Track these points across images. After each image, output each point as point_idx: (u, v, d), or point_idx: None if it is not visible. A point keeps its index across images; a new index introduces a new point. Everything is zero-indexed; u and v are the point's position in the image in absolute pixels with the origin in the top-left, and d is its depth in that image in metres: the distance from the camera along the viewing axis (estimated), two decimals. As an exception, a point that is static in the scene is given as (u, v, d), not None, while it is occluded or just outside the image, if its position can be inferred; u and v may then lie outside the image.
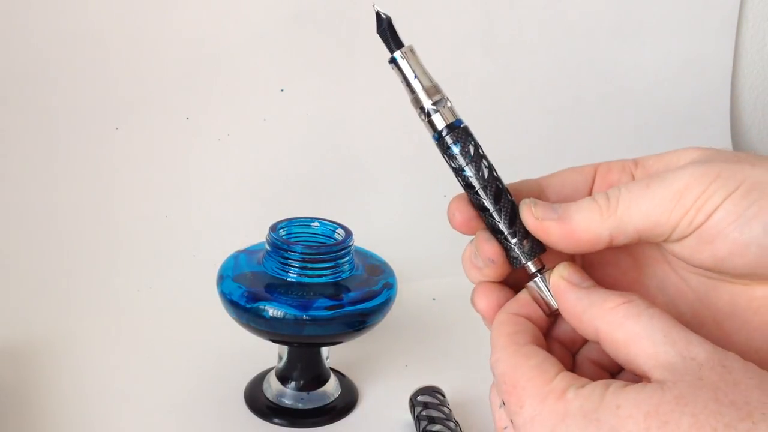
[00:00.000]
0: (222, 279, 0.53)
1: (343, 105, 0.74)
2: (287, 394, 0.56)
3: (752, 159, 0.32)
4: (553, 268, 0.35)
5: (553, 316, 0.36)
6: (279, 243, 0.52)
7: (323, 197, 0.74)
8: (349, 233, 0.54)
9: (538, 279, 0.35)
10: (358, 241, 0.55)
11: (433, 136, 0.37)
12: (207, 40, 0.69)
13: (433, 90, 0.37)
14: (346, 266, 0.53)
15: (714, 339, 0.34)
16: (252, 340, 0.54)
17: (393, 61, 0.37)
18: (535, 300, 0.36)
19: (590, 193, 0.37)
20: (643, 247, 0.37)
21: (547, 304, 0.35)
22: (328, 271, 0.52)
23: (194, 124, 0.70)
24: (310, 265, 0.52)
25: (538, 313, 0.36)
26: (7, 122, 0.65)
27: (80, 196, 0.68)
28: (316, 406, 0.56)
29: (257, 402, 0.56)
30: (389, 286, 0.54)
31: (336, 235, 0.55)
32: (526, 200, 0.36)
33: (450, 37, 0.77)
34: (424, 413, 0.52)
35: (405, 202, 0.77)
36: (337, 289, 0.52)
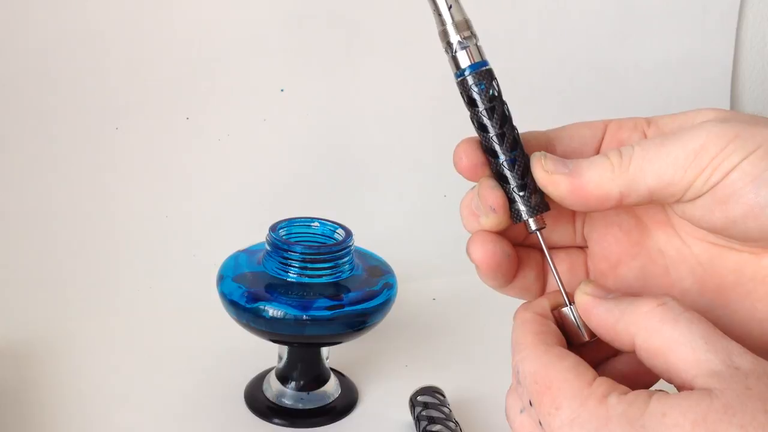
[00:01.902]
0: (222, 279, 0.53)
1: (343, 105, 0.74)
2: (287, 394, 0.56)
3: None
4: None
5: (591, 343, 0.34)
6: (279, 243, 0.52)
7: (323, 197, 0.74)
8: (349, 233, 0.54)
9: (574, 307, 0.33)
10: (359, 242, 0.55)
11: (456, 73, 0.35)
12: (207, 40, 0.69)
13: (464, 25, 0.35)
14: (346, 266, 0.53)
15: (716, 307, 0.33)
16: (252, 340, 0.54)
17: None
18: (571, 329, 0.34)
19: (598, 149, 0.36)
20: (648, 209, 0.36)
21: (588, 331, 0.33)
22: (328, 271, 0.52)
23: (194, 124, 0.70)
24: (310, 265, 0.52)
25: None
26: (7, 122, 0.65)
27: (80, 196, 0.68)
28: (316, 406, 0.55)
29: (257, 402, 0.56)
30: (389, 286, 0.54)
31: (336, 235, 0.55)
32: (537, 153, 0.34)
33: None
34: (424, 413, 0.52)
35: (405, 202, 0.77)
36: (337, 289, 0.52)
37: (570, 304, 0.34)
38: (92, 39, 0.65)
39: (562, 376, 0.30)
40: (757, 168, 0.30)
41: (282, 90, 0.72)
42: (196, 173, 0.71)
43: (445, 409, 0.52)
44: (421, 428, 0.51)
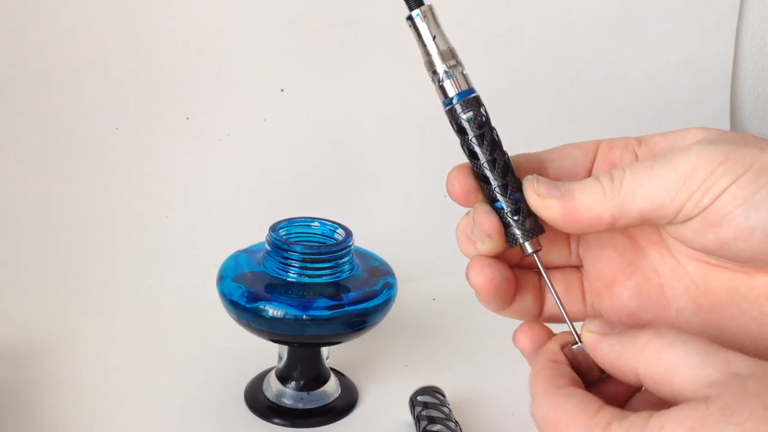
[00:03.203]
0: (222, 279, 0.53)
1: (343, 105, 0.74)
2: (287, 394, 0.56)
3: (761, 143, 0.32)
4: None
5: (602, 378, 0.34)
6: (279, 243, 0.52)
7: (323, 197, 0.74)
8: (349, 233, 0.54)
9: (584, 345, 0.34)
10: (359, 242, 0.55)
11: (444, 102, 0.36)
12: (207, 40, 0.69)
13: (448, 54, 0.36)
14: (346, 266, 0.53)
15: (711, 326, 0.34)
16: (252, 340, 0.54)
17: (411, 19, 0.36)
18: (582, 365, 0.34)
19: (590, 170, 0.37)
20: (642, 229, 0.36)
21: (597, 368, 0.34)
22: (328, 271, 0.52)
23: (194, 124, 0.70)
24: (310, 265, 0.52)
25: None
26: (7, 122, 0.65)
27: (80, 196, 0.68)
28: (316, 406, 0.55)
29: (257, 402, 0.56)
30: (389, 286, 0.54)
31: (336, 235, 0.55)
32: (529, 177, 0.35)
33: (449, 36, 0.76)
34: (424, 413, 0.52)
35: (405, 202, 0.77)
36: (337, 289, 0.52)
37: (579, 342, 0.34)
38: (92, 39, 0.65)
39: (569, 413, 0.30)
40: (747, 191, 0.30)
41: (282, 90, 0.72)
42: (196, 173, 0.71)
43: (445, 409, 0.52)
44: (421, 428, 0.51)
